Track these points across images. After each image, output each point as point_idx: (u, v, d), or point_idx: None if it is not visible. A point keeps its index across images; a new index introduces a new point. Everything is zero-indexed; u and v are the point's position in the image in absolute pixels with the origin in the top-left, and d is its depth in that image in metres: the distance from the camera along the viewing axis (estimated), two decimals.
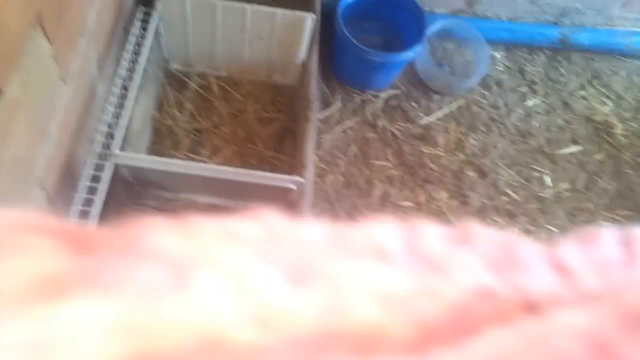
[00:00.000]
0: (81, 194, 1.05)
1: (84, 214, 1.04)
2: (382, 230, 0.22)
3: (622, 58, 2.15)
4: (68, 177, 1.12)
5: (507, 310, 0.19)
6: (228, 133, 1.51)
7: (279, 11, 1.41)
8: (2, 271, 0.15)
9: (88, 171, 1.09)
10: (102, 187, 1.06)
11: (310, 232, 0.21)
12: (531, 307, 0.19)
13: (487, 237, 0.23)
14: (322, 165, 1.69)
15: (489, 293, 0.19)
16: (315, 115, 1.63)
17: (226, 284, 0.16)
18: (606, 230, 0.22)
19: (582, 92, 2.06)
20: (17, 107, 0.87)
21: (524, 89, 2.01)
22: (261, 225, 0.20)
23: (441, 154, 1.79)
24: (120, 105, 1.21)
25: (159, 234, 0.18)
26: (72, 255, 0.17)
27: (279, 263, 0.18)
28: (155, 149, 1.45)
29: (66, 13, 1.03)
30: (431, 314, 0.18)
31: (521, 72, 2.06)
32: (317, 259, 0.18)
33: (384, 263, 0.19)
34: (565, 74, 2.09)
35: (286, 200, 1.38)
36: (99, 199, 1.05)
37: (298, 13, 1.42)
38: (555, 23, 2.13)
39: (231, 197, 1.39)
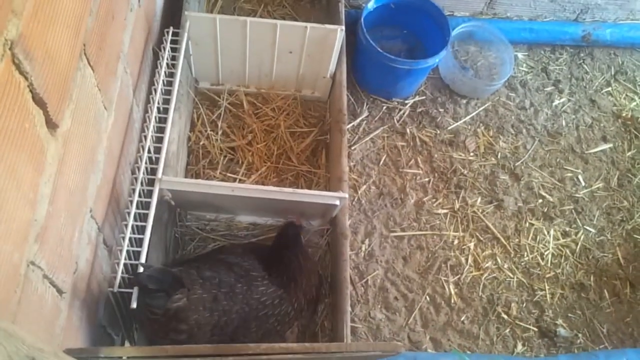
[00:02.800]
0: (130, 221, 1.04)
1: (136, 242, 1.03)
2: None
3: None
4: (114, 204, 1.11)
5: None
6: (262, 149, 1.50)
7: (310, 25, 1.40)
8: None
9: (133, 198, 1.08)
10: (151, 213, 1.05)
11: None
12: None
13: None
14: (354, 176, 1.68)
15: None
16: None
17: None
18: None
19: (608, 89, 2.04)
20: (70, 140, 0.86)
21: (550, 89, 1.99)
22: None
23: (472, 158, 1.78)
24: (159, 129, 1.21)
25: None
26: None
27: None
28: (192, 170, 1.44)
29: (106, 40, 1.02)
30: None
31: (545, 71, 2.04)
32: None
33: None
34: (589, 71, 2.07)
35: (327, 215, 1.37)
36: (148, 225, 1.04)
37: (328, 26, 1.41)
38: (576, 20, 2.12)
39: (272, 214, 1.38)
